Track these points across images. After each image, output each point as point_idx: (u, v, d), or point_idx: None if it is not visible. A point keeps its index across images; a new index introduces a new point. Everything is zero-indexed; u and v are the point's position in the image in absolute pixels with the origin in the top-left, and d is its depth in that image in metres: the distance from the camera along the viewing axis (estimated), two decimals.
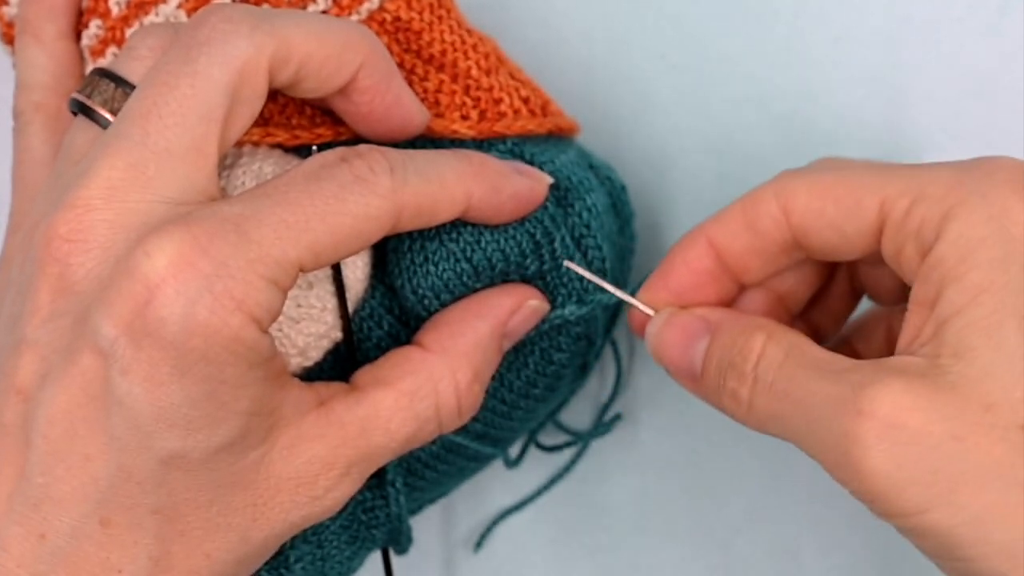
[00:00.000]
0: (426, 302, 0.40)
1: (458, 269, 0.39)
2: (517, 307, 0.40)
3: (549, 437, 0.50)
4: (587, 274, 0.40)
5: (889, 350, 0.37)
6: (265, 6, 0.41)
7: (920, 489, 0.32)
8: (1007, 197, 0.34)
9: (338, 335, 0.40)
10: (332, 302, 0.40)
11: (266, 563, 0.39)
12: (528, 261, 0.40)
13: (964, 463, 0.32)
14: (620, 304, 0.47)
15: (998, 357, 0.33)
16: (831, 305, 0.43)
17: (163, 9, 0.41)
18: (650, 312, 0.40)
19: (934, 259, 0.34)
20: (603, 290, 0.41)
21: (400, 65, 0.41)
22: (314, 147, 0.41)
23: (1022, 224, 0.34)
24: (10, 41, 0.44)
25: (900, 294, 0.40)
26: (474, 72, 0.42)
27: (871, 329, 0.42)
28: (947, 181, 0.35)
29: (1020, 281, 0.33)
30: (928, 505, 0.32)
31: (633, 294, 0.41)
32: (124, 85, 0.37)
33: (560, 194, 0.41)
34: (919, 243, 0.35)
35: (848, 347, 0.43)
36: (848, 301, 0.43)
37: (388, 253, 0.40)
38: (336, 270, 0.40)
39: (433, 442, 0.41)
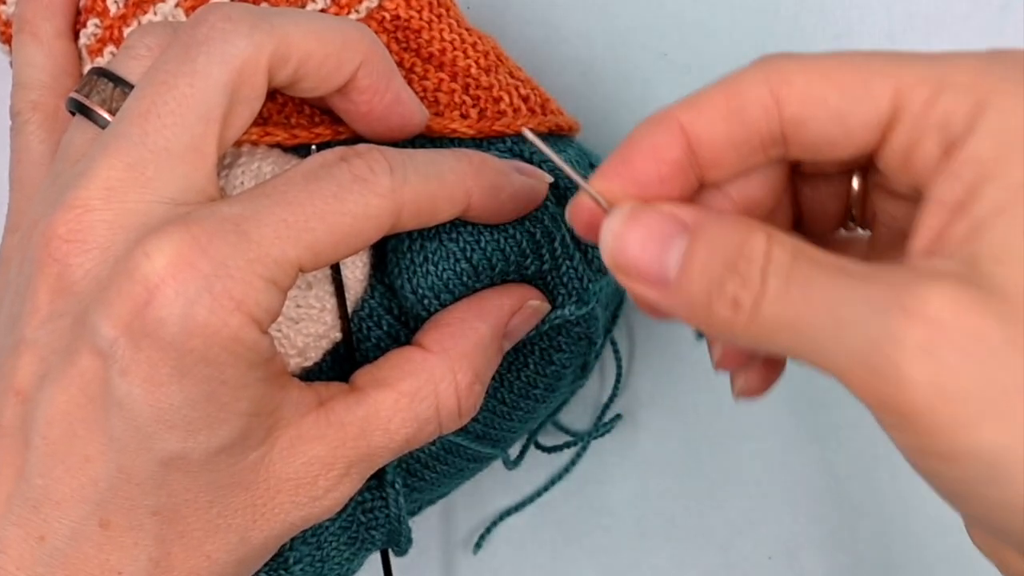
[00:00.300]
0: (426, 302, 0.40)
1: (458, 269, 0.39)
2: (517, 307, 0.40)
3: (549, 437, 0.50)
4: (541, 145, 0.35)
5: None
6: (264, 5, 0.41)
7: (970, 402, 0.28)
8: None
9: (337, 335, 0.40)
10: (331, 302, 0.40)
11: (265, 564, 0.39)
12: (528, 261, 0.40)
13: (1022, 373, 0.28)
14: (620, 304, 0.47)
15: None
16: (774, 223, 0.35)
17: (161, 8, 0.41)
18: (603, 204, 0.34)
19: (967, 154, 0.30)
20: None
21: (399, 64, 0.41)
22: (313, 146, 0.41)
23: None
24: (7, 40, 0.44)
25: (837, 221, 0.37)
26: (473, 71, 0.42)
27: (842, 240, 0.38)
28: (974, 69, 0.31)
29: None
30: (979, 418, 0.28)
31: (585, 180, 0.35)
32: (122, 84, 0.37)
33: (560, 193, 0.41)
34: (944, 136, 0.31)
35: None
36: (788, 226, 0.38)
37: (388, 253, 0.40)
38: (335, 270, 0.40)
39: (433, 443, 0.41)
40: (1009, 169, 0.29)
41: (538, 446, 0.49)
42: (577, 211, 0.35)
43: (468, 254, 0.39)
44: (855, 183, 0.35)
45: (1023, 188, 0.29)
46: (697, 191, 0.35)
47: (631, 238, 0.32)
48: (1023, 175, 0.29)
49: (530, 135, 0.34)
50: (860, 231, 0.36)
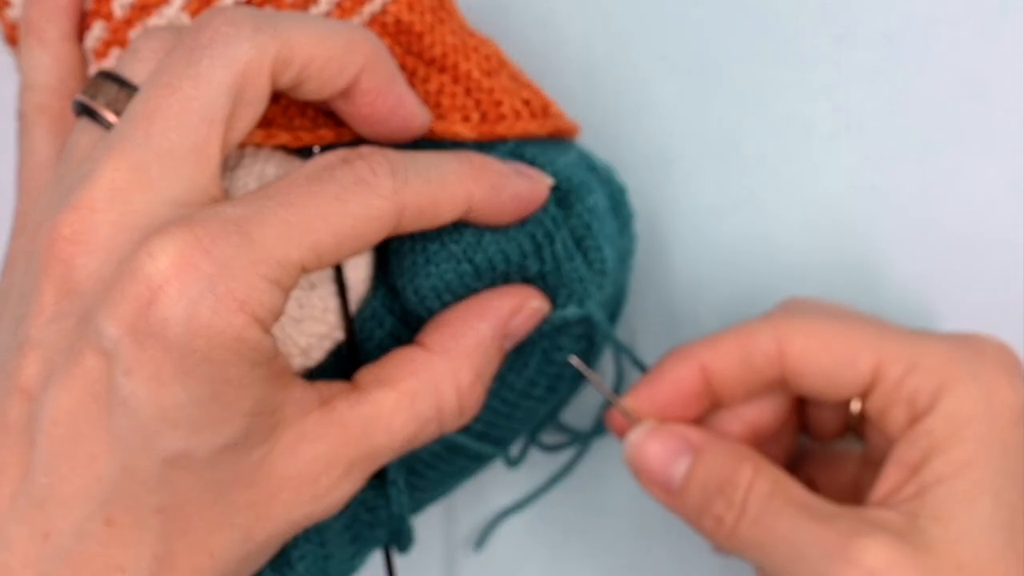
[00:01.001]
0: (428, 303, 0.40)
1: (460, 270, 0.39)
2: (519, 308, 0.40)
3: (549, 437, 0.50)
4: (587, 371, 0.43)
5: (854, 493, 0.42)
6: (268, 8, 0.42)
7: None
8: (996, 379, 0.38)
9: (340, 335, 0.40)
10: (334, 302, 0.40)
11: (269, 562, 0.39)
12: (529, 262, 0.40)
13: None
14: (618, 307, 0.47)
15: (972, 525, 0.37)
16: (781, 436, 0.45)
17: (166, 11, 0.42)
18: (631, 417, 0.42)
19: (925, 428, 0.38)
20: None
21: (402, 67, 0.41)
22: (316, 148, 0.41)
23: (1006, 406, 0.38)
24: (14, 42, 0.44)
25: (837, 434, 0.44)
26: (475, 74, 0.42)
27: (835, 467, 0.45)
28: (942, 355, 0.39)
29: (999, 460, 0.37)
30: None
31: (618, 392, 0.44)
32: (127, 87, 0.37)
33: (561, 195, 0.41)
34: (911, 409, 0.39)
35: (805, 475, 0.45)
36: (794, 434, 0.45)
37: (390, 254, 0.40)
38: (338, 271, 0.40)
39: (434, 442, 0.41)
40: (955, 447, 0.37)
41: (539, 445, 0.50)
42: (611, 418, 0.43)
43: (470, 255, 0.39)
44: (854, 406, 0.41)
45: (963, 464, 0.37)
46: (711, 410, 0.42)
47: (648, 450, 0.41)
48: (965, 453, 0.37)
49: (576, 361, 0.43)
50: (858, 445, 0.44)
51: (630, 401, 0.42)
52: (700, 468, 0.40)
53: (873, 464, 0.42)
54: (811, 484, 0.42)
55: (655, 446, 0.41)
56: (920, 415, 0.38)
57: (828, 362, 0.40)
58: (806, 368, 0.40)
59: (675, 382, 0.41)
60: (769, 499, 0.39)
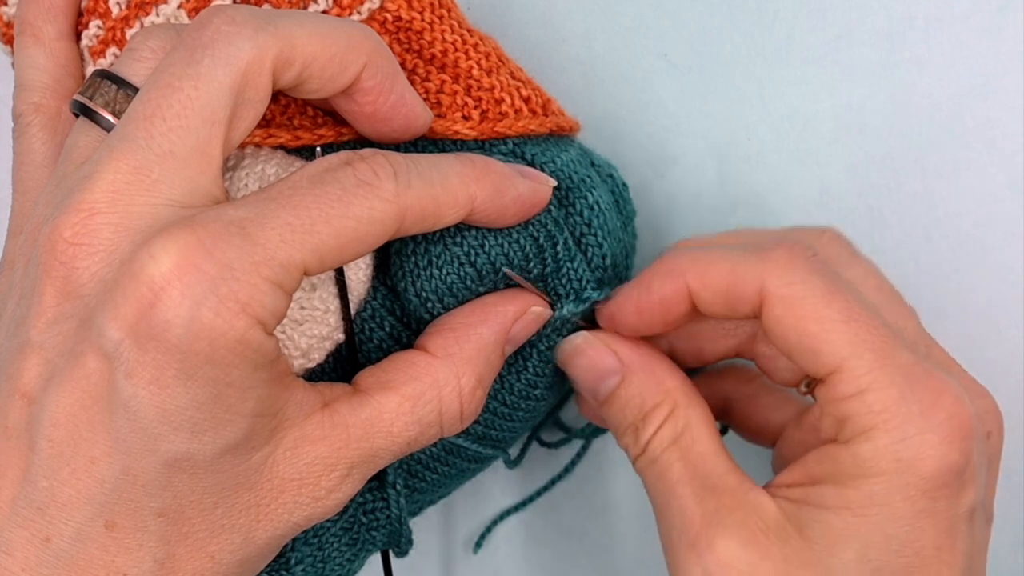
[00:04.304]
0: (429, 305, 0.40)
1: (462, 273, 0.39)
2: (521, 314, 0.40)
3: (550, 437, 0.50)
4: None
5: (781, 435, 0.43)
6: (267, 6, 0.41)
7: None
8: (938, 436, 0.36)
9: (340, 337, 0.40)
10: (335, 304, 0.40)
11: (268, 565, 0.39)
12: (531, 264, 0.40)
13: None
14: None
15: (833, 563, 0.37)
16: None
17: (164, 9, 0.41)
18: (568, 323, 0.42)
19: (840, 454, 0.37)
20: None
21: (402, 65, 0.41)
22: (318, 148, 0.41)
23: (930, 474, 0.36)
24: (9, 41, 0.44)
25: (789, 385, 0.43)
26: (475, 72, 0.42)
27: (776, 408, 0.44)
28: (897, 388, 0.37)
29: (888, 521, 0.37)
30: None
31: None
32: (126, 87, 0.37)
33: (562, 194, 0.41)
34: (839, 425, 0.38)
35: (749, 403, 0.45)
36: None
37: (392, 256, 0.40)
38: (339, 272, 0.40)
39: (434, 444, 0.41)
40: (857, 486, 0.37)
41: (540, 442, 0.50)
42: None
43: (472, 258, 0.39)
44: (802, 389, 0.41)
45: (853, 504, 0.37)
46: (684, 324, 0.41)
47: (580, 362, 0.42)
48: (859, 496, 0.37)
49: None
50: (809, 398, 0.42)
51: (617, 306, 0.41)
52: (622, 393, 0.41)
53: (804, 431, 0.42)
54: (752, 411, 0.44)
55: (585, 360, 0.41)
56: (847, 438, 0.37)
57: (793, 341, 0.38)
58: (771, 336, 0.38)
59: (663, 301, 0.40)
60: (667, 449, 0.39)
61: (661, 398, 0.40)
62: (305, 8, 0.42)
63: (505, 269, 0.40)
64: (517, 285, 0.40)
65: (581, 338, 0.42)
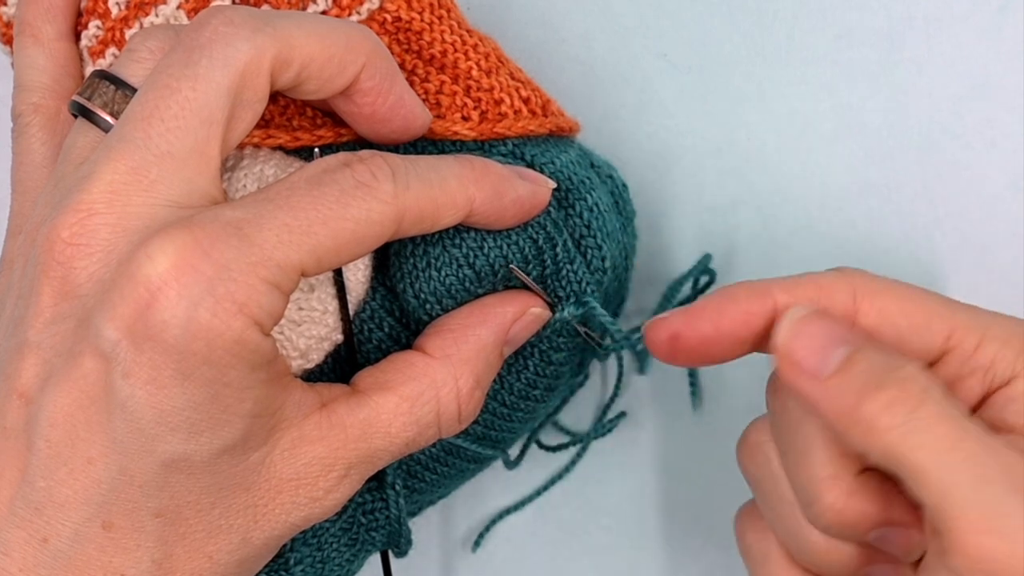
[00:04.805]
0: (428, 306, 0.40)
1: (461, 275, 0.39)
2: (520, 315, 0.40)
3: (550, 438, 0.50)
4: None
5: None
6: (265, 7, 0.41)
7: None
8: None
9: (339, 337, 0.40)
10: (333, 305, 0.40)
11: (266, 565, 0.39)
12: (530, 266, 0.40)
13: None
14: (621, 304, 0.47)
15: None
16: None
17: (163, 10, 0.41)
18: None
19: (1008, 395, 0.36)
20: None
21: (401, 65, 0.41)
22: (316, 149, 0.41)
23: None
24: (8, 41, 0.44)
25: None
26: (475, 73, 0.42)
27: None
28: (1014, 329, 0.36)
29: None
30: None
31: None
32: (124, 87, 0.37)
33: (561, 195, 0.41)
34: (987, 378, 0.36)
35: None
36: None
37: (391, 257, 0.40)
38: (337, 273, 0.40)
39: (433, 445, 0.41)
40: None
41: (539, 445, 0.49)
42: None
43: (471, 260, 0.39)
44: None
45: None
46: (746, 353, 0.38)
47: (806, 329, 0.36)
48: None
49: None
50: None
51: (689, 317, 0.38)
52: (862, 355, 0.34)
53: None
54: None
55: (815, 326, 0.36)
56: (999, 385, 0.36)
57: (904, 324, 0.37)
58: (880, 328, 0.37)
59: (746, 314, 0.37)
60: (943, 404, 0.33)
61: (906, 360, 0.35)
62: (304, 9, 0.42)
63: (511, 266, 0.40)
64: (516, 286, 0.40)
65: (803, 308, 0.36)
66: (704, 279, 0.47)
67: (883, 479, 0.36)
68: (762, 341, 0.38)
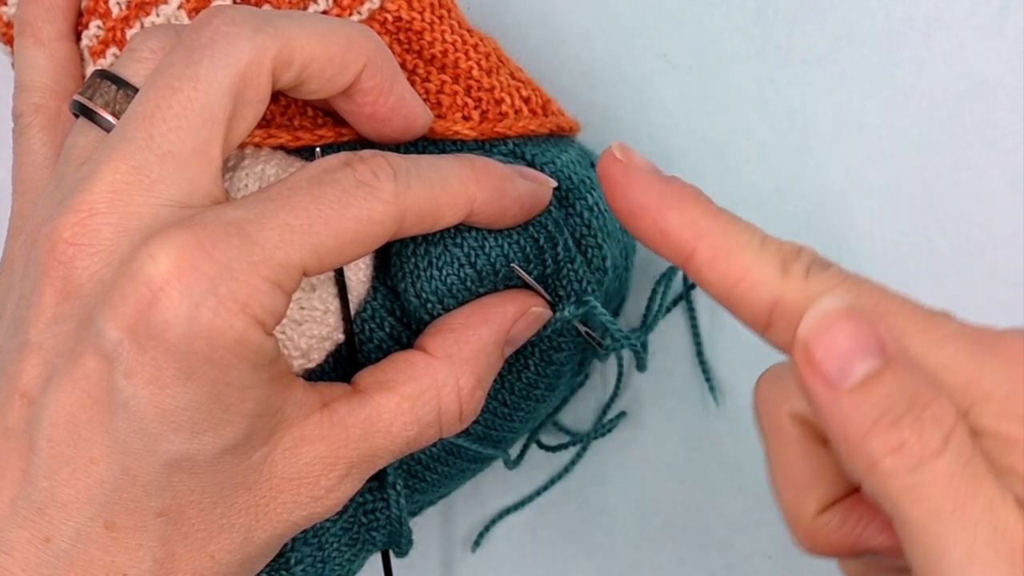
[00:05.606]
0: (429, 306, 0.40)
1: (462, 274, 0.39)
2: (520, 314, 0.40)
3: (550, 438, 0.50)
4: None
5: None
6: (266, 7, 0.41)
7: None
8: None
9: (340, 337, 0.40)
10: (335, 304, 0.40)
11: (267, 565, 0.39)
12: (531, 266, 0.40)
13: None
14: (621, 305, 0.47)
15: None
16: None
17: (164, 10, 0.41)
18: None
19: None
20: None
21: (402, 65, 0.41)
22: (317, 148, 0.41)
23: None
24: (9, 41, 0.44)
25: None
26: (475, 72, 0.42)
27: None
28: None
29: None
30: None
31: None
32: (125, 87, 0.37)
33: (562, 194, 0.41)
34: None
35: None
36: None
37: (392, 256, 0.40)
38: (339, 272, 0.40)
39: (434, 444, 0.41)
40: None
41: (540, 445, 0.50)
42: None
43: (472, 259, 0.39)
44: None
45: None
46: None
47: (837, 328, 0.30)
48: None
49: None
50: None
51: (639, 186, 0.35)
52: (890, 376, 0.30)
53: None
54: None
55: (847, 327, 0.30)
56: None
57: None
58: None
59: (667, 233, 0.34)
60: (973, 456, 0.29)
61: (945, 394, 0.31)
62: (305, 8, 0.42)
63: (513, 265, 0.40)
64: (517, 285, 0.40)
65: (840, 300, 0.31)
66: None
67: (864, 509, 0.34)
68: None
